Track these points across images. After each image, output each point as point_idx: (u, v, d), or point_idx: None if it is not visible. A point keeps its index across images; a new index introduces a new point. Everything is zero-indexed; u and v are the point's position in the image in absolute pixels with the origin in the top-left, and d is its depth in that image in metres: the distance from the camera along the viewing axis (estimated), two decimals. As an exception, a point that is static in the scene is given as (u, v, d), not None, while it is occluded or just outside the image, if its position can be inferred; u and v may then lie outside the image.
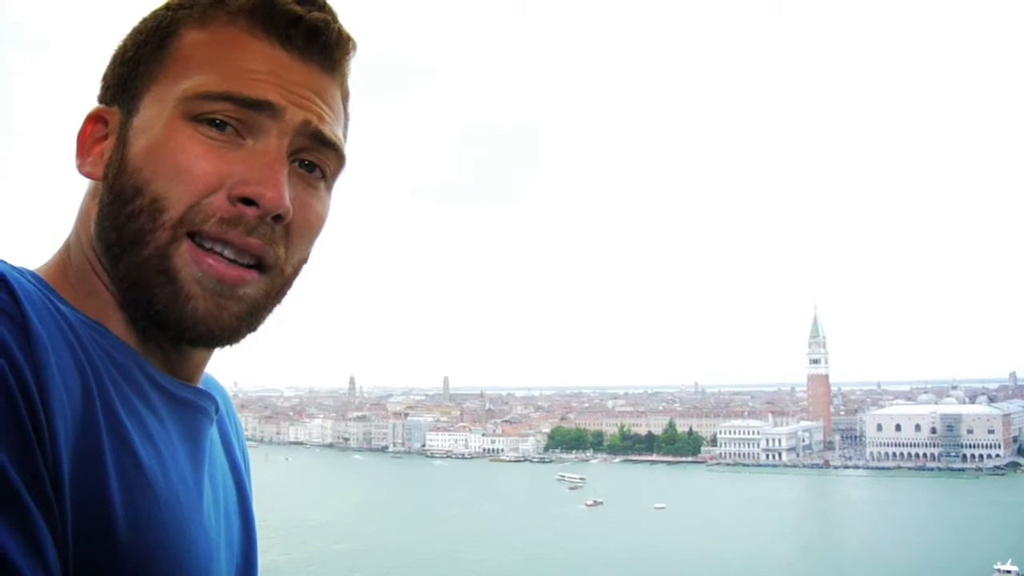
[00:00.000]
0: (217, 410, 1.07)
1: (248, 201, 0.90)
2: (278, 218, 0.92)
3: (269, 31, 0.95)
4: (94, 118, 1.00)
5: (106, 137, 0.98)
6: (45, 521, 0.73)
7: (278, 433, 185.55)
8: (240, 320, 0.94)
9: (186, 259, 0.90)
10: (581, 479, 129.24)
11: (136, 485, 0.84)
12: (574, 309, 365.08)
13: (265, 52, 0.94)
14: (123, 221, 0.91)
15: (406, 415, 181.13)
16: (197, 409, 1.01)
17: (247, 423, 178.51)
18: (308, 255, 1.01)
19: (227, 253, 0.91)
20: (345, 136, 1.02)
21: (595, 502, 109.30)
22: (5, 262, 0.87)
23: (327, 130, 0.96)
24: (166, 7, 0.99)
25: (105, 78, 1.01)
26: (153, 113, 0.93)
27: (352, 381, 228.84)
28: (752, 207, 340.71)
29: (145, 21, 1.00)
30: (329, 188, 1.01)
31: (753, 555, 79.87)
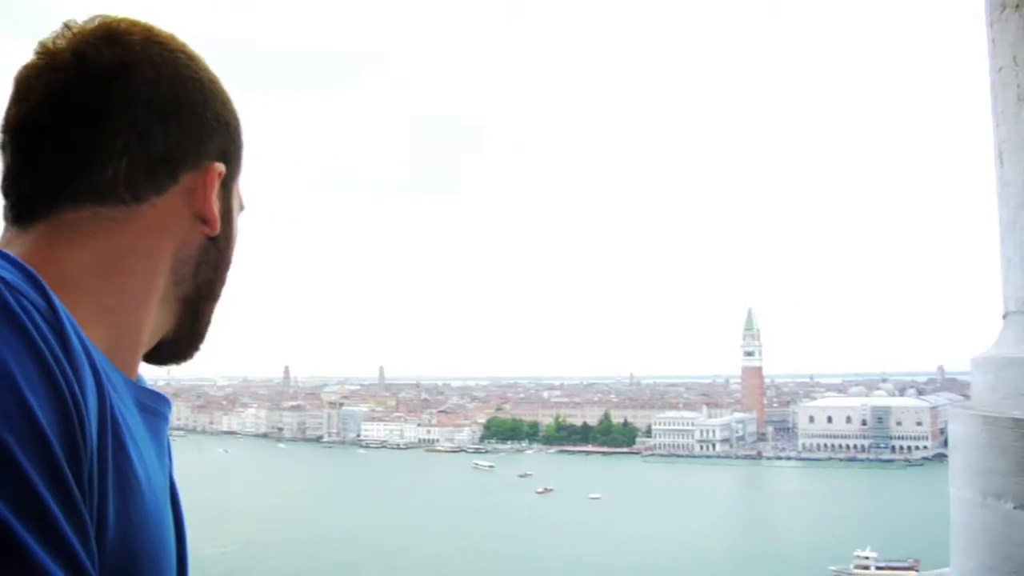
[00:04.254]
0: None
1: None
2: None
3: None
4: (213, 171, 1.00)
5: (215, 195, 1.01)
6: (81, 546, 0.72)
7: (211, 423, 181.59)
8: None
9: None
10: (490, 466, 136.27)
11: (129, 490, 0.83)
12: (511, 300, 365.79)
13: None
14: (219, 289, 1.07)
15: (341, 405, 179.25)
16: (158, 415, 1.00)
17: (180, 412, 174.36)
18: None
19: None
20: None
21: (545, 489, 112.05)
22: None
23: None
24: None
25: (209, 129, 1.00)
26: (236, 207, 1.00)
27: (287, 370, 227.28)
28: (689, 200, 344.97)
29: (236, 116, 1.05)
30: None
31: (685, 543, 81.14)
